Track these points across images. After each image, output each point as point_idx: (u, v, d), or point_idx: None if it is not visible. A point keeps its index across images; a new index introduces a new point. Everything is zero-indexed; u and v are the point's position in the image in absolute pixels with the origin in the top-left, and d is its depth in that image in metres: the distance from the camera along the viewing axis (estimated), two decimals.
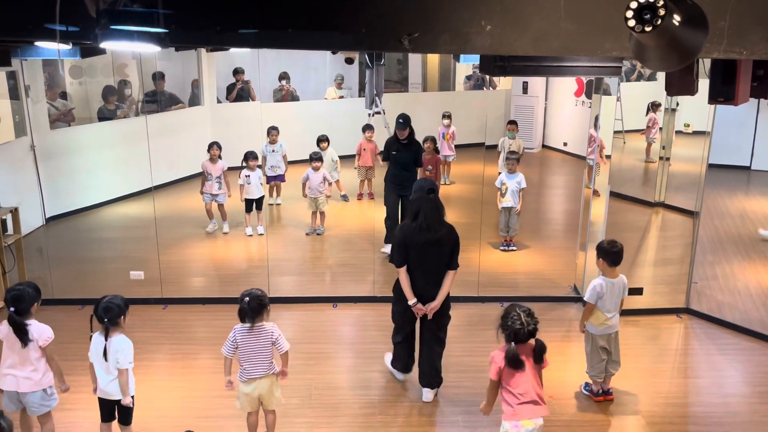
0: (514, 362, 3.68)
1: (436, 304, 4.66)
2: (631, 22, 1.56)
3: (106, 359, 4.04)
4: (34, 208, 8.36)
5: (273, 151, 8.92)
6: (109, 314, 4.04)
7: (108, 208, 9.31)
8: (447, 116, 10.43)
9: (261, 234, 8.21)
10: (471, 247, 7.82)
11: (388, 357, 5.18)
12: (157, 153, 7.92)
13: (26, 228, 7.13)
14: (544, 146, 13.83)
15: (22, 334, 3.99)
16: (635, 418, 4.73)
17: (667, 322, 6.21)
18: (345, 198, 9.58)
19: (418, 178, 8.58)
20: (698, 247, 6.49)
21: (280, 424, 4.51)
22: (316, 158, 8.21)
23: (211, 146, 8.05)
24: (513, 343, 3.69)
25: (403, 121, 7.53)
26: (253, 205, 8.20)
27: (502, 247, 7.86)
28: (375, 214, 8.84)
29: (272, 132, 8.92)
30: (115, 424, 4.25)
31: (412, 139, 7.65)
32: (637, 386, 5.12)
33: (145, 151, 7.21)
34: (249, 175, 8.05)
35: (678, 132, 6.93)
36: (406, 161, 7.57)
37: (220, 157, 8.06)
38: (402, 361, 5.05)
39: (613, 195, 6.27)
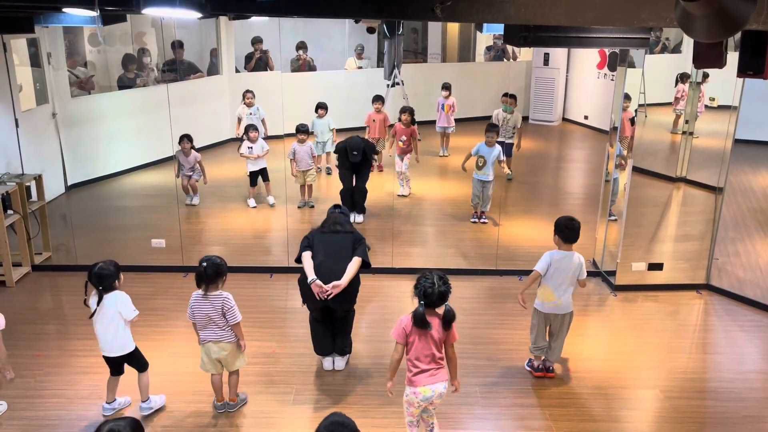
0: (420, 322, 3.68)
1: (343, 282, 4.47)
2: None
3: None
4: (56, 176, 8.45)
5: (250, 113, 8.86)
6: (104, 282, 4.10)
7: (129, 176, 9.40)
8: (446, 87, 10.18)
9: (272, 205, 8.24)
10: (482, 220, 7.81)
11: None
12: (177, 122, 7.95)
13: (48, 195, 7.21)
14: (564, 119, 13.67)
15: None
16: (653, 392, 4.74)
17: (687, 298, 6.19)
18: (329, 171, 9.51)
19: (388, 147, 8.56)
20: (720, 224, 6.42)
21: (298, 390, 4.59)
22: (302, 131, 8.03)
23: (181, 139, 7.98)
24: (422, 303, 3.69)
25: None
26: (257, 178, 8.23)
27: (472, 219, 7.81)
28: (388, 186, 8.83)
29: (247, 94, 8.84)
30: (122, 378, 4.37)
31: None
32: (656, 361, 5.13)
33: (164, 119, 7.23)
34: (251, 147, 8.09)
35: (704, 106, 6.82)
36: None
37: (192, 148, 8.07)
38: (318, 337, 4.87)
39: (635, 170, 6.21)
